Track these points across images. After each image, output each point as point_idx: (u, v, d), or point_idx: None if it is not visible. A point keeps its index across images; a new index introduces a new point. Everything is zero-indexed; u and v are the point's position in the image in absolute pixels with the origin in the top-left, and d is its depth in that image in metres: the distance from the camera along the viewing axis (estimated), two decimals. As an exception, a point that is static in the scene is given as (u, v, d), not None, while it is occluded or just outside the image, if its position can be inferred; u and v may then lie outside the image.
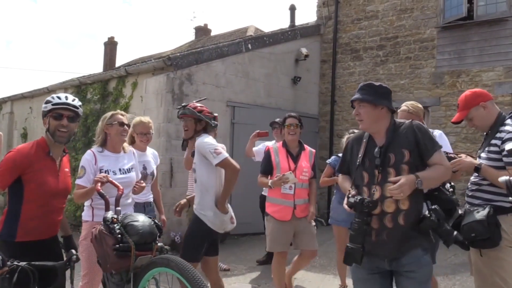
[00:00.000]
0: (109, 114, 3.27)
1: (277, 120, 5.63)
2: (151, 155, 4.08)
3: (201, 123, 3.39)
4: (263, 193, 5.62)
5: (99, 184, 2.78)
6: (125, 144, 3.37)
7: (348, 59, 9.67)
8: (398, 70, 8.88)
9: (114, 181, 2.89)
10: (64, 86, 10.14)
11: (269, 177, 4.20)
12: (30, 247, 2.47)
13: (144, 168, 3.83)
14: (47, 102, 2.67)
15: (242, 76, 8.12)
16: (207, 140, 3.31)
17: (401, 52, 8.85)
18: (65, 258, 2.47)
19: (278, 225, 4.11)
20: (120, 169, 3.18)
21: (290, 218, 4.06)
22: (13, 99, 12.92)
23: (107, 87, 8.63)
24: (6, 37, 69.04)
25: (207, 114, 3.43)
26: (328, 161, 4.92)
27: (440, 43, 8.37)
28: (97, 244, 2.43)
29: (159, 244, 2.43)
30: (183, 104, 3.48)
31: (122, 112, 3.36)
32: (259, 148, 5.61)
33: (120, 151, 3.28)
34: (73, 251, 2.40)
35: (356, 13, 9.54)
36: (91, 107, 8.66)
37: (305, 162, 4.22)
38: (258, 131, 5.46)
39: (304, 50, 9.14)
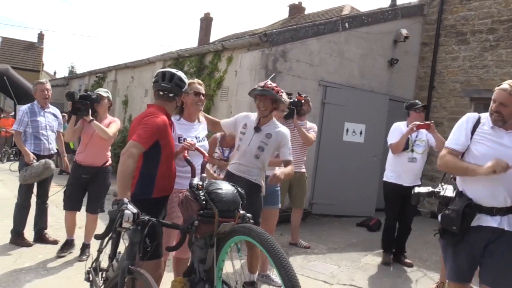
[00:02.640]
0: (187, 82, 3.14)
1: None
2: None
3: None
4: (387, 179, 5.26)
5: (186, 151, 2.92)
6: (200, 113, 3.45)
7: (452, 42, 9.01)
8: (510, 57, 8.09)
9: (200, 148, 3.01)
10: (163, 58, 10.67)
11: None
12: (159, 203, 2.81)
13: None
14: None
15: (336, 55, 7.94)
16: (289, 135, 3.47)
17: (515, 37, 8.04)
18: None
19: None
20: (196, 137, 3.30)
21: None
22: (117, 68, 13.91)
23: (203, 61, 8.94)
24: (108, 10, 73.95)
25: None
26: None
27: None
28: (183, 209, 2.53)
29: (241, 212, 2.46)
30: (260, 84, 3.41)
31: (199, 81, 3.40)
32: None
33: (195, 120, 3.38)
34: (195, 216, 2.44)
35: (466, -7, 8.80)
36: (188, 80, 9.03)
37: None
38: (417, 123, 4.93)
39: (404, 31, 8.67)
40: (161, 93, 2.88)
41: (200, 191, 2.41)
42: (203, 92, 3.34)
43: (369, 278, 4.72)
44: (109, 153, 4.75)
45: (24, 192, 5.01)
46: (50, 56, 77.07)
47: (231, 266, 2.61)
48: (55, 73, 40.86)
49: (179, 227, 2.48)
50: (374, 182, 8.33)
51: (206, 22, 20.87)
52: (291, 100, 5.11)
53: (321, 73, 7.73)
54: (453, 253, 2.75)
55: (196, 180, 2.53)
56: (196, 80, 3.39)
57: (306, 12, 18.20)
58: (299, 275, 4.54)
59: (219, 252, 2.41)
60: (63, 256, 4.60)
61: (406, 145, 5.06)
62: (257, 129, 3.39)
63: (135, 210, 2.27)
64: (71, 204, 4.64)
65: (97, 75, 14.97)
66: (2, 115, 15.56)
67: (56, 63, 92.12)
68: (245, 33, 16.54)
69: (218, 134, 4.21)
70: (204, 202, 2.37)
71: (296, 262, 5.05)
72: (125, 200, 2.31)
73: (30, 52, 32.13)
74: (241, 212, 2.46)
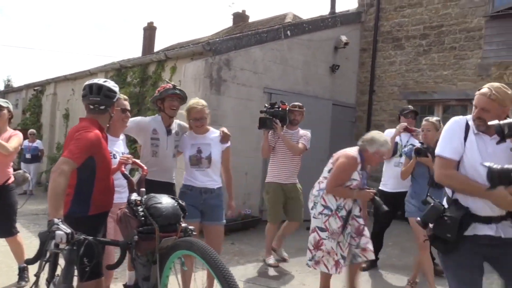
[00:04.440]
0: None
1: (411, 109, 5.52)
2: (214, 138, 3.81)
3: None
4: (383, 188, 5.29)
5: (123, 165, 2.86)
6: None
7: (389, 48, 9.42)
8: (441, 60, 8.57)
9: (138, 162, 2.95)
10: (105, 69, 10.37)
11: None
12: (97, 220, 2.68)
13: (199, 151, 3.68)
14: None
15: (280, 62, 8.06)
16: None
17: (445, 42, 8.53)
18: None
19: None
20: (122, 153, 3.28)
21: None
22: (56, 80, 13.33)
23: (146, 71, 8.78)
24: (45, 21, 71.11)
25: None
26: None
27: (488, 33, 8.01)
28: (122, 226, 2.47)
29: (183, 225, 2.41)
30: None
31: (125, 97, 3.32)
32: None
33: (119, 136, 3.38)
34: (135, 231, 2.38)
35: (400, 0, 9.24)
36: (130, 90, 8.83)
37: None
38: (405, 124, 5.14)
39: (344, 38, 8.96)
40: (91, 106, 2.77)
41: (139, 207, 2.34)
42: (129, 108, 3.33)
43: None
44: (11, 170, 4.33)
45: None
46: (-18, 70, 72.62)
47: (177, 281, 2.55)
48: (-11, 87, 38.52)
49: (119, 243, 2.38)
50: (322, 186, 8.48)
51: (149, 32, 20.53)
52: (272, 110, 5.14)
53: (265, 80, 7.82)
54: (456, 269, 2.56)
55: (134, 196, 2.46)
56: (122, 96, 3.25)
57: (250, 20, 18.40)
58: (251, 283, 4.58)
59: (163, 268, 2.34)
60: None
61: (395, 150, 5.09)
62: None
63: (68, 230, 2.14)
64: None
65: (35, 88, 14.28)
66: None
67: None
68: (189, 42, 16.44)
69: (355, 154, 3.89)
70: (143, 218, 2.31)
71: (248, 270, 5.06)
72: (56, 220, 2.17)
73: (-40, 66, 30.19)
74: (183, 225, 2.41)
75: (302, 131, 5.36)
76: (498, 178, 2.17)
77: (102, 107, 2.76)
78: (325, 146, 8.50)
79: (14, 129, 4.29)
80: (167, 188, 3.60)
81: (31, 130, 11.57)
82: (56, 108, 13.07)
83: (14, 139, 4.23)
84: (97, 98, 2.74)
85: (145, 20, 44.48)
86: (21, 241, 4.36)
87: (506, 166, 2.18)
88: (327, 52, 9.01)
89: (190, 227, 2.43)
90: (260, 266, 5.27)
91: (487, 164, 2.22)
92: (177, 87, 3.81)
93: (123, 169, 2.85)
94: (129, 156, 3.00)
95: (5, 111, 4.31)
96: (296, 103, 5.38)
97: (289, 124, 5.26)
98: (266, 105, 5.32)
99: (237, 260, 5.48)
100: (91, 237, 2.28)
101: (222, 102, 7.14)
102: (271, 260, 5.28)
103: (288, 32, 8.15)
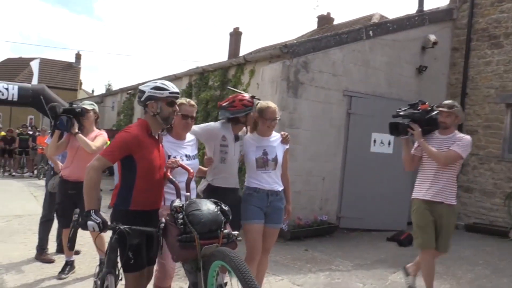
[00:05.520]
0: (178, 101, 3.04)
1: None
2: (277, 140, 3.77)
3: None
4: None
5: (169, 170, 2.85)
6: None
7: (485, 46, 8.62)
8: (547, 59, 7.65)
9: (184, 164, 2.91)
10: (189, 73, 10.75)
11: None
12: (139, 216, 2.70)
13: (265, 153, 3.64)
14: (161, 89, 2.78)
15: (361, 64, 7.74)
16: None
17: (552, 38, 7.61)
18: None
19: None
20: (186, 155, 3.23)
21: None
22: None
23: (227, 74, 8.94)
24: (141, 28, 75.90)
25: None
26: None
27: None
28: (164, 234, 2.48)
29: (225, 231, 2.35)
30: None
31: (191, 103, 3.25)
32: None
33: (184, 138, 3.32)
34: (163, 219, 2.58)
35: (498, -6, 8.43)
36: (211, 93, 9.06)
37: None
38: None
39: (432, 37, 8.37)
40: (145, 109, 2.86)
41: (179, 214, 2.31)
42: (193, 115, 3.24)
43: (395, 297, 4.46)
44: None
45: (48, 204, 5.08)
46: (88, 75, 79.96)
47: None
48: (93, 91, 42.26)
49: (151, 231, 2.50)
50: (405, 194, 7.94)
51: (235, 37, 21.04)
52: (407, 112, 4.30)
53: (345, 83, 7.54)
54: None
55: (177, 202, 2.44)
56: (187, 101, 3.24)
57: (335, 22, 18.04)
58: (321, 293, 4.40)
59: (207, 277, 2.27)
60: (64, 279, 4.43)
61: None
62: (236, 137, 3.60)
63: (98, 220, 2.35)
64: (65, 222, 4.42)
65: (128, 92, 15.29)
66: (37, 133, 16.14)
67: (94, 81, 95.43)
68: (273, 46, 16.53)
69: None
70: (182, 226, 2.27)
71: (319, 279, 4.86)
72: (91, 211, 2.40)
73: (68, 72, 33.40)
74: (225, 231, 2.33)
75: (460, 135, 4.18)
76: None
77: (145, 110, 2.82)
78: (409, 152, 8.00)
79: (109, 129, 4.56)
80: (233, 193, 3.62)
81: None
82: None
83: (99, 139, 4.54)
84: (141, 101, 2.81)
85: (231, 25, 45.80)
86: (103, 234, 4.61)
87: None
88: (414, 53, 8.47)
89: (233, 232, 2.37)
90: (332, 275, 5.05)
91: None
92: (254, 98, 3.64)
93: (168, 173, 2.83)
94: (175, 160, 2.95)
95: (91, 113, 4.65)
96: (445, 102, 4.25)
97: (435, 127, 4.23)
98: (401, 107, 4.46)
99: (309, 268, 5.31)
100: (124, 226, 2.39)
101: (299, 105, 7.01)
102: None
103: (371, 32, 7.79)
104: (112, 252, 2.51)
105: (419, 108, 4.27)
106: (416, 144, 4.30)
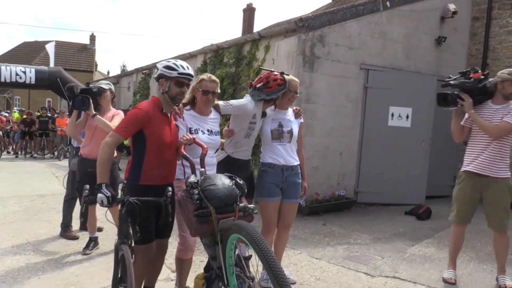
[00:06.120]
0: (199, 77, 3.16)
1: None
2: (292, 115, 3.77)
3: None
4: None
5: (183, 146, 2.86)
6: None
7: (507, 15, 8.34)
8: None
9: (199, 140, 2.92)
10: (204, 51, 10.70)
11: None
12: (149, 190, 2.76)
13: (280, 125, 3.63)
14: (171, 68, 2.80)
15: (378, 36, 7.58)
16: None
17: None
18: None
19: None
20: (208, 130, 3.22)
21: None
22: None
23: (241, 51, 8.87)
24: (154, 9, 75.59)
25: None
26: None
27: None
28: (181, 210, 2.52)
29: (241, 204, 2.37)
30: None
31: (213, 78, 3.21)
32: None
33: (207, 114, 3.28)
34: (169, 188, 2.69)
35: (521, -40, 8.10)
36: (226, 71, 9.02)
37: None
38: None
39: (451, 6, 8.13)
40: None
41: (195, 189, 2.34)
42: (214, 90, 3.18)
43: (414, 270, 4.46)
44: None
45: (71, 183, 5.18)
46: (103, 57, 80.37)
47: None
48: (108, 72, 42.53)
49: (158, 200, 2.59)
50: (424, 168, 7.94)
51: (249, 13, 20.78)
52: (457, 81, 4.03)
53: (362, 56, 7.42)
54: None
55: (192, 178, 2.46)
56: (207, 77, 3.18)
57: (349, -5, 17.63)
58: (340, 266, 4.43)
59: (225, 249, 2.31)
60: (88, 254, 4.57)
61: None
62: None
63: (108, 193, 2.46)
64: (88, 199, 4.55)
65: (143, 71, 15.32)
66: (56, 115, 16.39)
67: (109, 63, 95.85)
68: (288, 21, 16.27)
69: None
70: (198, 202, 2.30)
71: (338, 252, 4.89)
72: (102, 184, 2.51)
73: (83, 54, 33.60)
74: (241, 204, 2.36)
75: None
76: None
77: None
78: (428, 126, 7.92)
79: (126, 110, 4.59)
80: (247, 165, 3.76)
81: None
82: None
83: (117, 118, 4.56)
84: (155, 78, 2.89)
85: (244, 2, 45.19)
86: (117, 209, 4.70)
87: None
88: (432, 23, 8.25)
89: (249, 205, 2.39)
90: (350, 248, 5.08)
91: None
92: (284, 74, 3.57)
93: (182, 149, 2.84)
94: (190, 136, 2.91)
95: (108, 92, 4.68)
96: (508, 70, 3.88)
97: (489, 96, 3.95)
98: (451, 76, 4.19)
99: (328, 241, 5.35)
100: (133, 198, 2.50)
101: (316, 79, 6.94)
102: (450, 274, 4.17)
103: (388, 3, 7.61)
104: (124, 223, 2.66)
105: (470, 76, 3.97)
106: (466, 115, 4.07)
